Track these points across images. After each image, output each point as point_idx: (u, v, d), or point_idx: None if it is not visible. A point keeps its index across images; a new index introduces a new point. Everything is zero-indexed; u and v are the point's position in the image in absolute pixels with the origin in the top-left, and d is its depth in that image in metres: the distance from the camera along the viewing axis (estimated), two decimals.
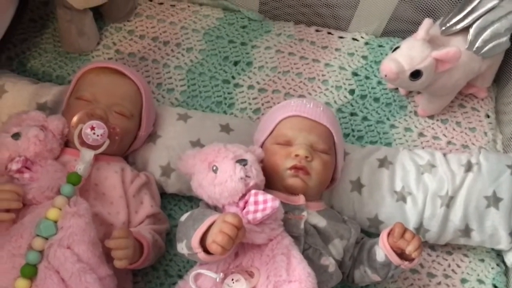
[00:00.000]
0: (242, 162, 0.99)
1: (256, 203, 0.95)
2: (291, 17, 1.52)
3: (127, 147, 1.18)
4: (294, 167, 1.04)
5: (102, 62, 1.23)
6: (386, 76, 1.17)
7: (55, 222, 0.97)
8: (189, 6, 1.55)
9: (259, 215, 0.93)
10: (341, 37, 1.52)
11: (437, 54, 1.15)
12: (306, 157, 1.04)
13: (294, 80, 1.43)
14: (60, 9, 1.34)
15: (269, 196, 0.94)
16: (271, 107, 1.39)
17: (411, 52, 1.16)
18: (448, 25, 1.25)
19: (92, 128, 1.06)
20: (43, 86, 1.28)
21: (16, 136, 1.02)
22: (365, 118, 1.39)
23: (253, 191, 0.97)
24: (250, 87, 1.43)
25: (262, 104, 1.40)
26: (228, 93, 1.42)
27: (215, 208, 1.04)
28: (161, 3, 1.55)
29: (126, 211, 1.10)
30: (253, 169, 1.00)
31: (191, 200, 1.28)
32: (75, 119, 1.07)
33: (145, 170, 1.22)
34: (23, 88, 1.26)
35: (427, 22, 1.19)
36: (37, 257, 0.95)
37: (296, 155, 1.05)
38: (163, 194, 1.25)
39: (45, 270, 0.94)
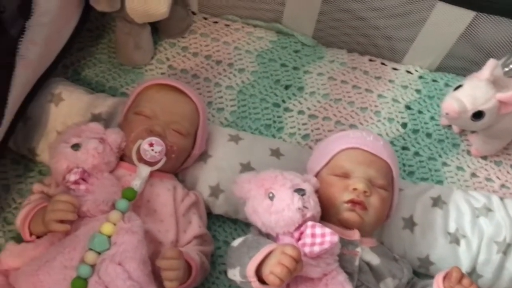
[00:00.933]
0: (300, 192, 0.98)
1: (313, 235, 0.93)
2: (345, 44, 1.51)
3: (180, 165, 1.17)
4: (352, 201, 1.02)
5: (163, 79, 1.23)
6: (447, 114, 1.15)
7: (109, 237, 0.96)
8: (243, 27, 1.55)
9: (316, 249, 0.91)
10: (394, 69, 1.50)
11: (502, 97, 1.13)
12: (365, 191, 1.02)
13: (346, 109, 1.42)
14: (120, 21, 1.36)
15: (327, 230, 0.92)
16: (320, 134, 1.38)
17: (474, 92, 1.14)
18: (511, 66, 1.22)
19: (151, 145, 1.05)
20: (98, 97, 1.29)
21: (75, 147, 1.03)
22: (416, 153, 1.37)
23: (310, 223, 0.95)
24: (300, 112, 1.42)
25: (312, 131, 1.39)
26: (278, 117, 1.41)
27: (268, 236, 1.02)
28: (216, 22, 1.56)
29: (175, 230, 1.09)
30: (311, 200, 0.98)
31: (236, 223, 1.26)
32: (134, 134, 1.07)
33: (194, 189, 1.21)
34: (79, 97, 1.26)
35: (492, 62, 1.17)
36: (88, 271, 0.94)
37: (354, 189, 1.03)
38: (209, 214, 1.24)
39: (95, 285, 0.93)
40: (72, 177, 0.99)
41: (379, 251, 1.05)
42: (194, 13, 1.55)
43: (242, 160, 1.23)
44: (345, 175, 1.06)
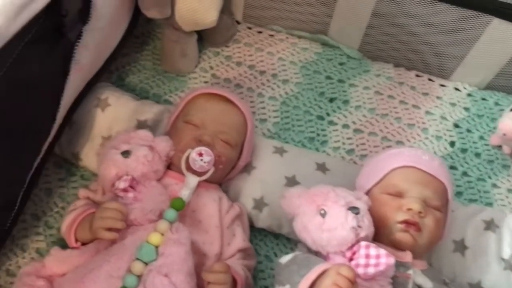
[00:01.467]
0: (355, 210, 0.95)
1: (367, 256, 0.89)
2: (392, 59, 1.48)
3: (225, 175, 1.15)
4: (406, 222, 0.98)
5: (213, 88, 1.22)
6: (505, 135, 1.11)
7: (156, 247, 0.95)
8: (287, 38, 1.53)
9: (371, 270, 0.88)
10: (442, 85, 1.46)
11: None
12: (420, 212, 0.99)
13: (393, 125, 1.38)
14: (167, 29, 1.35)
15: (382, 251, 0.89)
16: (366, 149, 1.35)
17: None
18: None
19: (200, 155, 1.03)
20: (144, 103, 1.28)
21: (125, 154, 1.01)
22: (465, 174, 1.32)
23: (363, 243, 0.92)
24: (345, 126, 1.39)
25: (357, 146, 1.35)
26: (322, 130, 1.38)
27: (316, 254, 0.99)
28: (260, 32, 1.54)
29: (220, 242, 1.06)
30: (365, 219, 0.95)
31: (277, 238, 1.23)
32: (183, 143, 1.05)
33: (237, 200, 1.19)
34: (125, 103, 1.26)
35: None
36: (135, 281, 0.92)
37: (409, 209, 0.99)
38: (250, 228, 1.21)
39: None
40: (122, 185, 0.98)
41: (431, 275, 1.01)
42: (238, 23, 1.54)
43: (287, 173, 1.20)
44: (399, 194, 1.02)
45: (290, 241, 1.22)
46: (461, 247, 1.12)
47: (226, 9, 1.46)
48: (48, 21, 0.79)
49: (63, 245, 1.16)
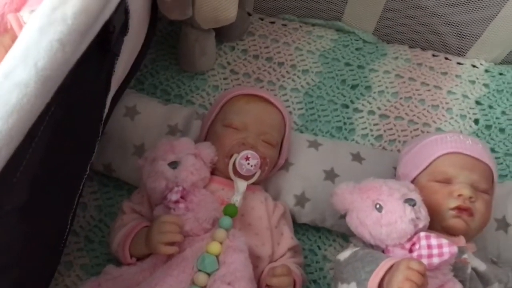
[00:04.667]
0: (411, 202, 0.96)
1: (429, 247, 0.91)
2: (408, 40, 1.48)
3: (267, 175, 1.14)
4: (458, 208, 1.00)
5: (249, 89, 1.20)
6: None
7: (217, 256, 0.94)
8: (301, 26, 1.51)
9: (435, 260, 0.89)
10: (459, 63, 1.47)
11: None
12: (470, 197, 1.00)
13: (418, 107, 1.39)
14: (186, 28, 1.32)
15: (444, 241, 0.91)
16: (394, 134, 1.36)
17: None
18: None
19: (247, 158, 1.03)
20: (172, 108, 1.26)
21: (173, 164, 1.00)
22: (492, 150, 1.34)
23: (423, 234, 0.93)
24: (371, 112, 1.39)
25: (384, 131, 1.36)
26: (348, 118, 1.38)
27: (373, 247, 1.00)
28: (273, 22, 1.52)
29: (271, 243, 1.06)
30: (422, 210, 0.96)
31: (319, 231, 1.24)
32: (229, 148, 1.04)
33: (278, 198, 1.19)
34: (154, 109, 1.23)
35: None
36: None
37: (459, 195, 1.01)
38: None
39: None
40: (174, 197, 0.97)
41: (482, 256, 1.04)
42: (249, 14, 1.52)
43: (325, 167, 1.21)
44: (447, 181, 1.03)
45: (332, 233, 1.23)
46: (503, 224, 1.15)
47: (239, 3, 1.43)
48: (96, 39, 0.76)
49: (107, 259, 1.15)
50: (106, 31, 0.77)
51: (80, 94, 0.78)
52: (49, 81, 0.65)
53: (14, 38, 0.73)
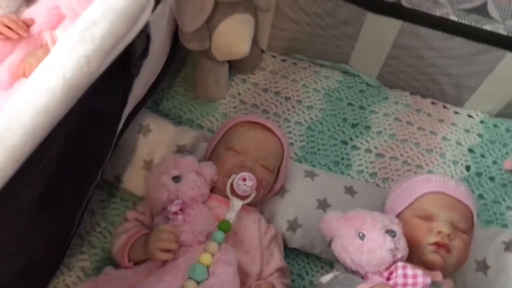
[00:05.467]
0: (392, 233, 1.03)
1: (405, 276, 0.97)
2: (409, 87, 1.57)
3: (262, 198, 1.22)
4: (437, 244, 1.06)
5: (252, 117, 1.30)
6: None
7: (207, 267, 1.01)
8: (310, 66, 1.62)
9: None
10: (456, 112, 1.56)
11: None
12: (449, 235, 1.07)
13: (412, 150, 1.47)
14: (202, 59, 1.43)
15: (419, 272, 0.97)
16: (388, 173, 1.43)
17: None
18: None
19: (244, 180, 1.11)
20: (181, 129, 1.36)
21: (176, 179, 1.09)
22: (481, 196, 1.41)
23: (400, 264, 1.00)
24: (368, 150, 1.47)
25: (379, 169, 1.44)
26: (346, 154, 1.46)
27: (354, 273, 1.07)
28: (284, 60, 1.63)
29: (260, 262, 1.13)
30: (401, 241, 1.03)
31: (308, 257, 1.30)
32: (228, 169, 1.13)
33: (271, 222, 1.26)
34: (166, 129, 1.33)
35: None
36: None
37: (439, 232, 1.07)
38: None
39: None
40: (173, 208, 1.05)
41: None
42: (263, 51, 1.63)
43: (318, 196, 1.28)
44: (429, 218, 1.10)
45: (321, 260, 1.30)
46: (483, 266, 1.20)
47: (253, 40, 1.55)
48: (118, 58, 0.87)
49: (107, 263, 1.22)
50: (128, 53, 0.88)
51: (99, 105, 0.89)
52: (73, 90, 0.75)
53: (47, 52, 0.84)
